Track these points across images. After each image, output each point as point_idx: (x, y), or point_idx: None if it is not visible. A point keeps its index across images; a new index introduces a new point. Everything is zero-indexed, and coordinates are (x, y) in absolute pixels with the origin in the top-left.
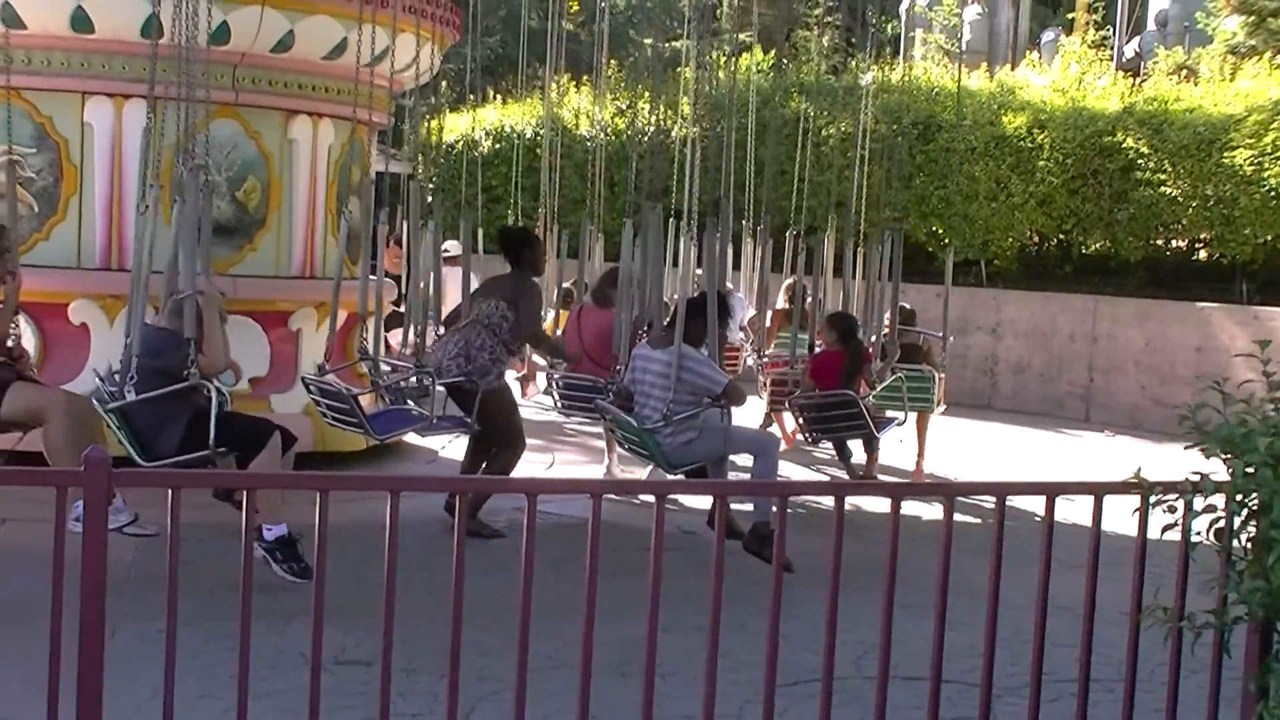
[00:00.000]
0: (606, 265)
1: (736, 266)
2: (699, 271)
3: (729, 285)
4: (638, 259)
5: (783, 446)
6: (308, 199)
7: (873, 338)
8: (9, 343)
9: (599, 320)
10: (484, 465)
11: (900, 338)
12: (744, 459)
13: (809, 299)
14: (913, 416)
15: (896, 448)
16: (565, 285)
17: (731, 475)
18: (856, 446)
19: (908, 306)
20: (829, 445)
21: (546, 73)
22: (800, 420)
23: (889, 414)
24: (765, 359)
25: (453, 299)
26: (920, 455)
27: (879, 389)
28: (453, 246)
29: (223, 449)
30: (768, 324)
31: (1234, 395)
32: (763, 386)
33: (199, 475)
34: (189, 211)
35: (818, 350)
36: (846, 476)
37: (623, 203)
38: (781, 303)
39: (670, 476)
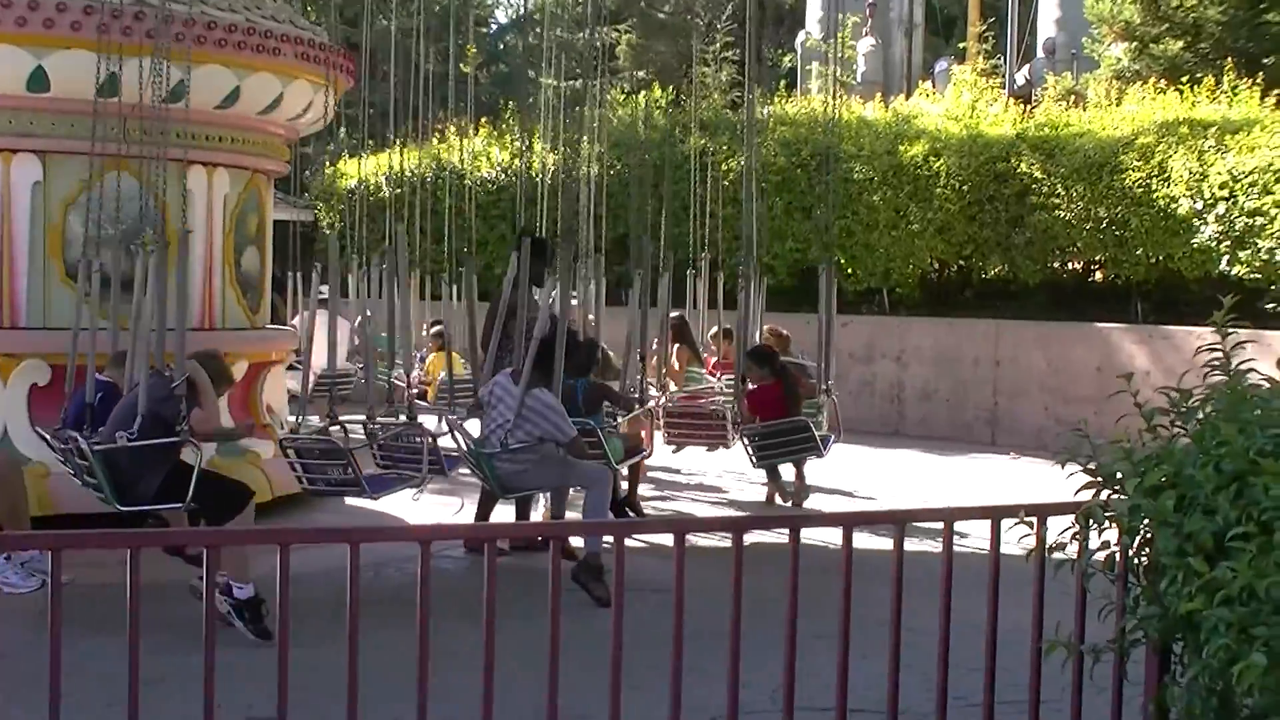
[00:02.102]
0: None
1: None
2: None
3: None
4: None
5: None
6: (205, 250)
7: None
8: None
9: None
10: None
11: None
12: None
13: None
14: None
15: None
16: (438, 326)
17: None
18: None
19: (784, 332)
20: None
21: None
22: (751, 448)
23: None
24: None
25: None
26: (799, 476)
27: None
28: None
29: (195, 504)
30: (673, 361)
31: (1101, 436)
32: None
33: (158, 534)
34: (160, 269)
35: (750, 387)
36: (778, 499)
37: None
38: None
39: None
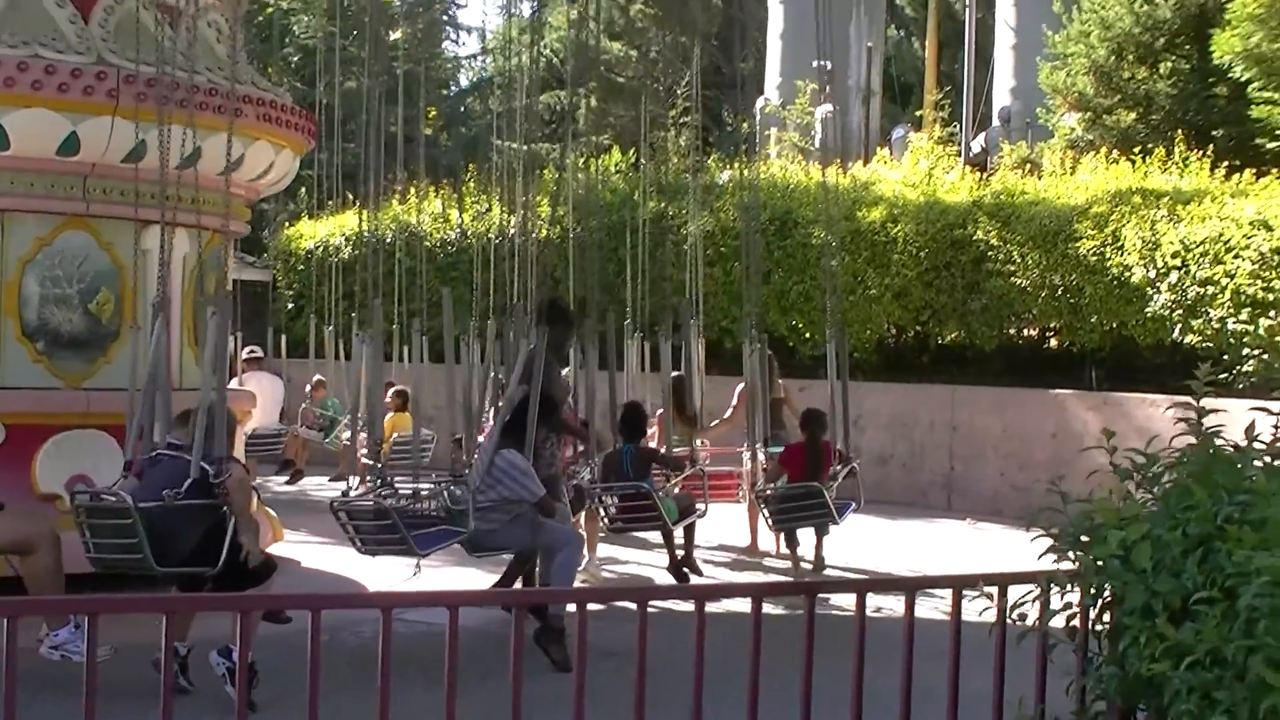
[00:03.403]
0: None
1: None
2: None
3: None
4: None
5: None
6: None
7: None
8: None
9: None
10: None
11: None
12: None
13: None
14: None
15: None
16: (398, 386)
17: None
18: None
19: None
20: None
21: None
22: (768, 511)
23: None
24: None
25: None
26: (819, 544)
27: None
28: (258, 349)
29: (224, 569)
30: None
31: (1071, 496)
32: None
33: (119, 601)
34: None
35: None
36: (793, 566)
37: (486, 305)
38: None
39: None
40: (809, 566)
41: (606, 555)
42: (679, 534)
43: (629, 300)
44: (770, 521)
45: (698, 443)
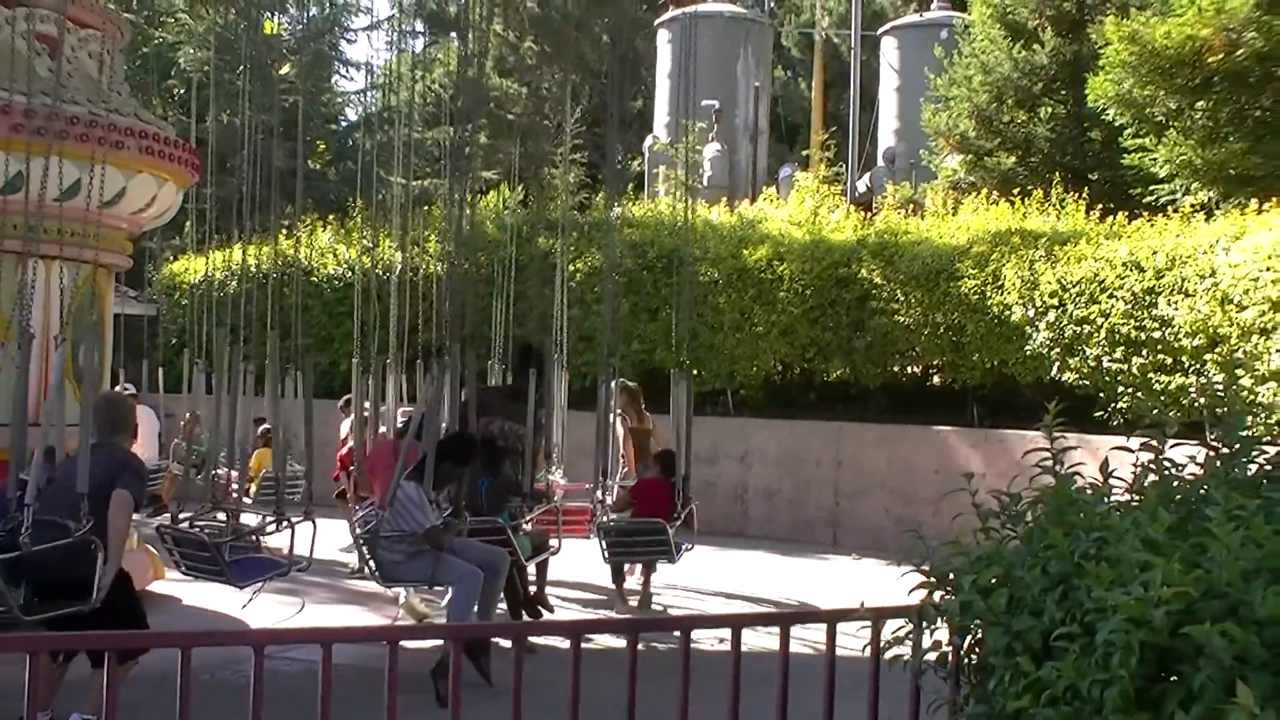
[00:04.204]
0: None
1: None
2: None
3: None
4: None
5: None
6: (41, 344)
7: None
8: None
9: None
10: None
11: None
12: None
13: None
14: None
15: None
16: (265, 424)
17: None
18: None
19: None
20: None
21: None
22: (605, 543)
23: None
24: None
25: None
26: (646, 582)
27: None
28: (130, 385)
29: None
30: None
31: (935, 535)
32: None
33: (61, 639)
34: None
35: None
36: (619, 600)
37: (380, 339)
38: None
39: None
40: (634, 602)
41: None
42: (531, 570)
43: (500, 336)
44: (605, 553)
45: (552, 477)
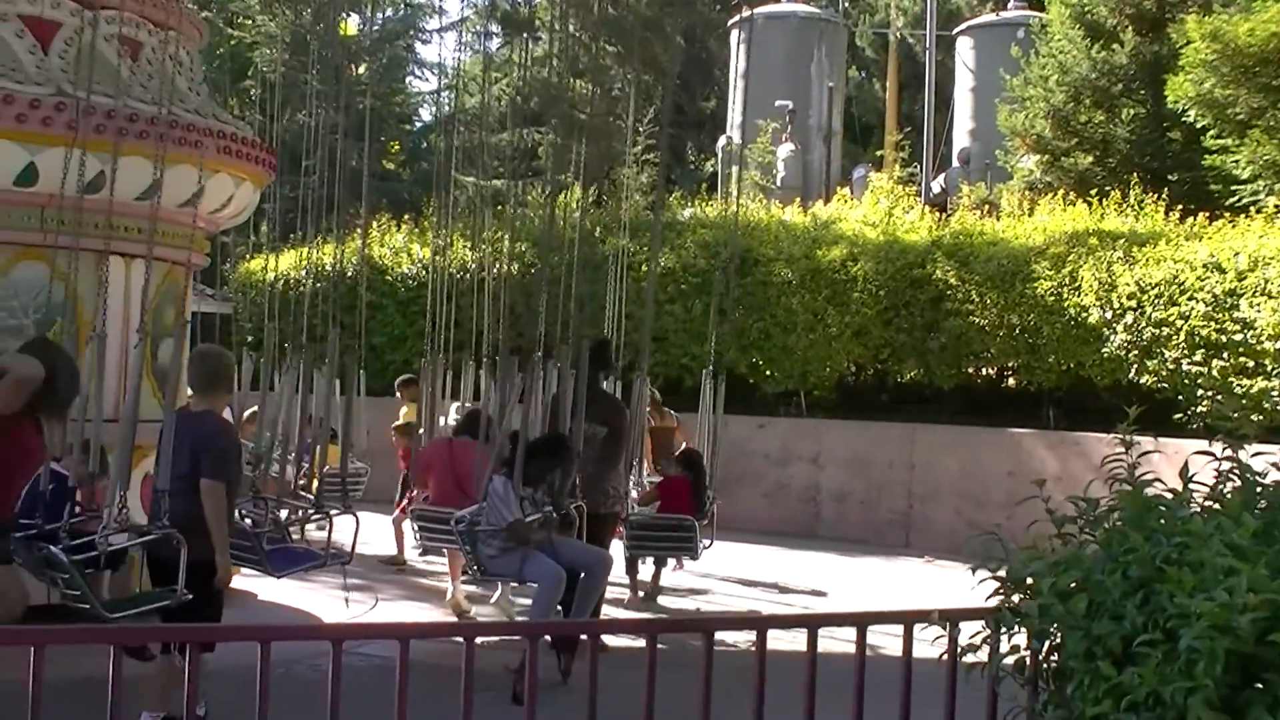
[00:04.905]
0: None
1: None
2: None
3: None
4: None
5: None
6: (120, 342)
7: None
8: None
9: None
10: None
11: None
12: None
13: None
14: None
15: None
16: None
17: None
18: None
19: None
20: None
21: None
22: (627, 537)
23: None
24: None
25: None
26: (656, 575)
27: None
28: None
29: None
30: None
31: (1014, 538)
32: None
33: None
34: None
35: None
36: (630, 592)
37: (446, 339)
38: None
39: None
40: (643, 594)
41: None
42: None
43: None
44: (626, 546)
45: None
